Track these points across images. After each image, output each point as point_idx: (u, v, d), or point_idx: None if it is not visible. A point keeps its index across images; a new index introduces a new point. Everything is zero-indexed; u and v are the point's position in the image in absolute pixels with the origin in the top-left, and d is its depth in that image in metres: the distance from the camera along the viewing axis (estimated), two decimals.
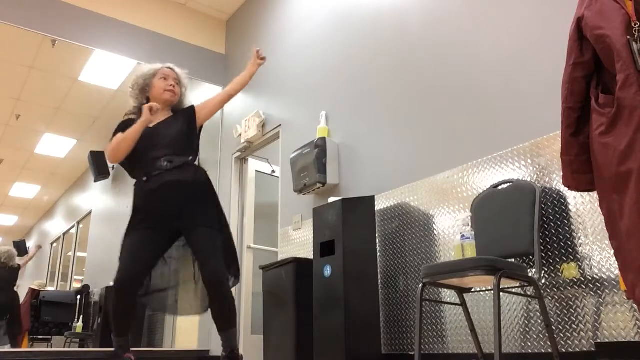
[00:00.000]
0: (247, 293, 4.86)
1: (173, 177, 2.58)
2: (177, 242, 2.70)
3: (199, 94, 5.88)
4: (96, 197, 5.41)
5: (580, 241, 2.31)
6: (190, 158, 2.69)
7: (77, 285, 5.28)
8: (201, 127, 2.87)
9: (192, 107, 2.85)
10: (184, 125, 2.74)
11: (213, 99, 2.86)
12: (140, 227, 2.56)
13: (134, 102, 2.83)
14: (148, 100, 2.80)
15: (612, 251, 1.96)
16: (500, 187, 2.62)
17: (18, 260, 4.88)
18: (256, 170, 5.37)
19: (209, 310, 2.57)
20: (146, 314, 5.18)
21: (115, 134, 2.68)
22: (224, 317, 2.50)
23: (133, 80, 2.82)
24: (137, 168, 2.67)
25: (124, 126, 2.69)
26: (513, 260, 2.42)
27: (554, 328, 2.33)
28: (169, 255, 2.72)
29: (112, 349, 2.54)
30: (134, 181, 2.74)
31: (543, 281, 2.41)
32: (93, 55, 5.12)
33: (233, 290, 4.97)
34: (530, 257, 2.46)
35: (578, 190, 1.78)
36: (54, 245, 5.47)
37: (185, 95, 2.93)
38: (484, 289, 2.63)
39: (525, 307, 2.47)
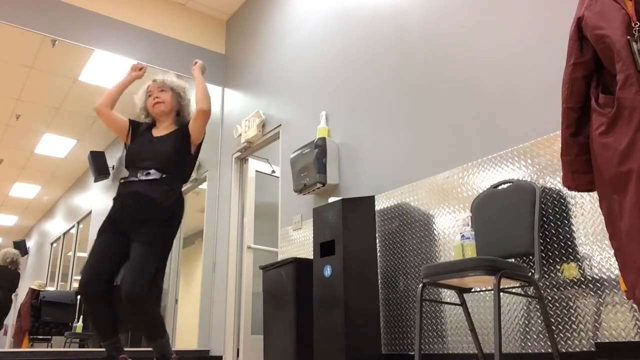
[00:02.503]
0: (247, 293, 4.85)
1: (141, 189, 2.63)
2: None
3: None
4: (96, 197, 5.41)
5: (580, 241, 2.31)
6: (165, 176, 2.67)
7: (77, 285, 5.28)
8: (199, 145, 2.89)
9: (187, 126, 2.88)
10: (179, 144, 2.77)
11: (192, 119, 2.85)
12: (105, 231, 2.63)
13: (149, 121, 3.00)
14: (153, 120, 2.93)
15: (612, 251, 1.96)
16: (500, 187, 2.62)
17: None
18: (256, 170, 5.37)
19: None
20: None
21: (129, 120, 2.91)
22: (146, 331, 2.51)
23: (139, 108, 2.98)
24: (128, 170, 2.77)
25: (136, 125, 2.90)
26: (513, 260, 2.42)
27: (554, 328, 2.33)
28: None
29: (108, 350, 2.51)
30: None
31: (543, 281, 2.41)
32: (93, 55, 5.12)
33: (233, 290, 4.98)
34: (530, 257, 2.46)
35: (578, 190, 1.78)
36: (54, 245, 5.46)
37: (183, 96, 2.95)
38: (484, 289, 2.63)
39: (525, 307, 2.47)
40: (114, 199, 2.69)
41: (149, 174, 2.66)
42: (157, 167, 2.68)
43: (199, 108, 2.80)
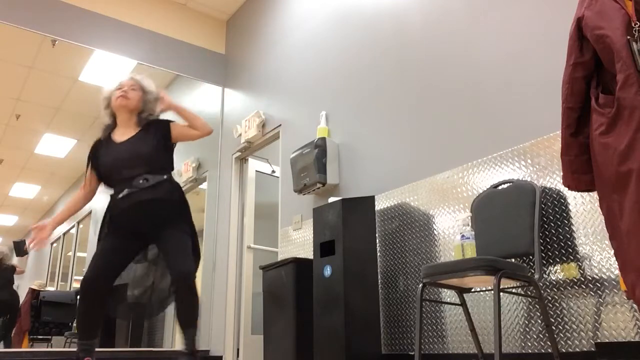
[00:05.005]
0: (247, 293, 4.85)
1: (148, 195, 2.61)
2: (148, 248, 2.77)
3: (199, 94, 5.88)
4: (96, 197, 5.40)
5: (580, 241, 2.31)
6: (165, 177, 2.69)
7: (77, 285, 5.28)
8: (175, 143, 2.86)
9: (167, 123, 2.81)
10: (158, 140, 2.72)
11: (189, 131, 2.80)
12: (114, 234, 2.63)
13: (107, 120, 2.87)
14: (114, 116, 2.81)
15: (612, 251, 1.96)
16: (500, 187, 2.62)
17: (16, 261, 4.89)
18: (256, 170, 5.37)
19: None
20: None
21: (88, 161, 2.79)
22: (189, 314, 2.53)
23: (102, 98, 2.86)
24: (113, 185, 2.70)
25: (93, 151, 2.78)
26: (513, 260, 2.42)
27: (554, 328, 2.33)
28: (139, 259, 2.78)
29: (80, 349, 2.51)
30: None
31: (543, 281, 2.41)
32: (93, 55, 5.12)
33: (233, 290, 4.98)
34: (530, 257, 2.46)
35: (578, 190, 1.78)
36: (54, 245, 5.47)
37: (151, 100, 2.85)
38: (484, 289, 2.63)
39: (525, 307, 2.47)
40: (121, 212, 2.62)
41: (146, 180, 2.62)
42: (148, 170, 2.64)
43: (207, 131, 2.79)
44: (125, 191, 2.61)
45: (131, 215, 2.61)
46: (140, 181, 2.62)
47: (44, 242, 2.65)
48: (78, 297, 2.54)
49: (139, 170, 2.63)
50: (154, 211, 2.61)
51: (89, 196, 2.81)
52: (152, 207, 2.61)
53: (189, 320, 2.52)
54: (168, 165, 2.75)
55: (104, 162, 2.69)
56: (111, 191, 2.72)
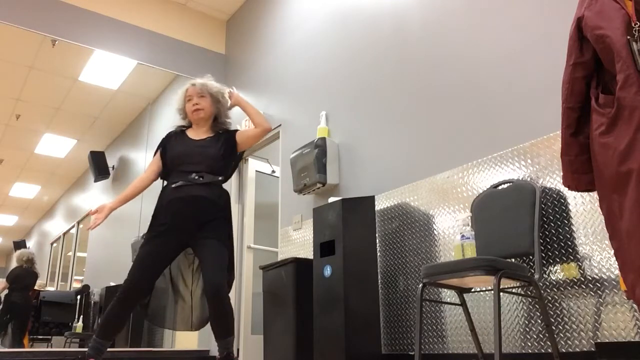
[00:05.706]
0: (247, 293, 4.85)
1: (199, 192, 2.70)
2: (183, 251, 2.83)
3: None
4: (96, 197, 5.40)
5: (580, 241, 2.31)
6: (220, 179, 2.80)
7: (77, 285, 5.28)
8: (242, 152, 2.98)
9: (233, 132, 2.95)
10: (224, 148, 2.84)
11: (248, 132, 2.94)
12: (157, 238, 2.67)
13: (183, 122, 3.02)
14: (189, 123, 2.97)
15: (612, 251, 1.96)
16: (500, 187, 2.62)
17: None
18: (256, 170, 5.37)
19: (205, 324, 2.68)
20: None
21: (158, 148, 2.90)
22: (223, 327, 2.58)
23: (176, 108, 3.01)
24: (170, 175, 2.80)
25: (165, 140, 2.91)
26: (513, 260, 2.42)
27: (554, 328, 2.33)
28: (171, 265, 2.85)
29: (92, 346, 2.53)
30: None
31: (543, 281, 2.41)
32: (93, 55, 5.12)
33: (233, 290, 4.98)
34: (530, 257, 2.46)
35: (578, 190, 1.78)
36: (54, 245, 5.46)
37: (222, 101, 2.96)
38: (484, 289, 2.63)
39: (525, 307, 2.47)
40: (170, 203, 2.69)
41: (202, 177, 2.72)
42: (208, 170, 2.75)
43: (266, 127, 2.90)
44: (179, 182, 2.71)
45: (178, 207, 2.68)
46: (196, 177, 2.72)
47: (100, 223, 2.72)
48: (114, 299, 2.57)
49: (200, 167, 2.75)
50: (199, 208, 2.68)
51: (151, 177, 2.87)
52: (199, 203, 2.68)
53: (222, 332, 2.58)
54: (226, 173, 2.87)
55: (175, 151, 2.81)
56: (165, 182, 2.82)
